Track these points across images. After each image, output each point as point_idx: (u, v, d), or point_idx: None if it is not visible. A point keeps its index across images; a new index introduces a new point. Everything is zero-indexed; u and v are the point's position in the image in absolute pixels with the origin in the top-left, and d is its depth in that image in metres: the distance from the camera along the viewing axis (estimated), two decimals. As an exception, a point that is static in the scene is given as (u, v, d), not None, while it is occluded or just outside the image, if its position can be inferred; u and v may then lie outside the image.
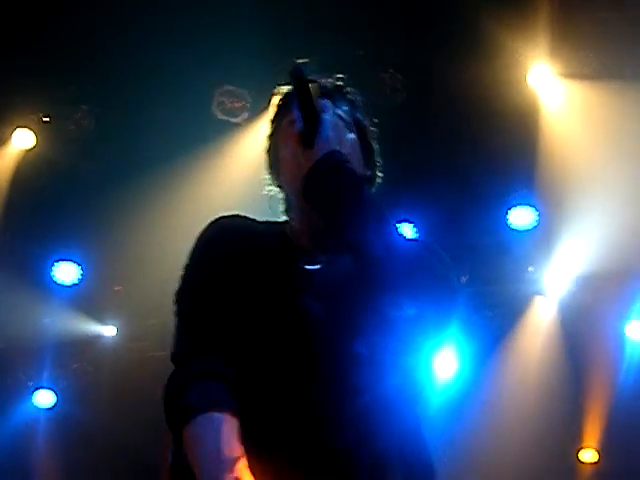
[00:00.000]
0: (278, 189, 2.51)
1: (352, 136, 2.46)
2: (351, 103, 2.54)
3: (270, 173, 2.54)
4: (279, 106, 2.53)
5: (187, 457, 2.12)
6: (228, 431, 2.11)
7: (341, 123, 2.42)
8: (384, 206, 2.50)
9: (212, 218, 2.48)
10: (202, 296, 2.33)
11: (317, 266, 2.35)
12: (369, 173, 2.54)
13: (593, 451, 8.62)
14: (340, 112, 2.47)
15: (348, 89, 2.58)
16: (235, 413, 2.15)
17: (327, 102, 2.38)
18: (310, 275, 2.34)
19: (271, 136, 2.53)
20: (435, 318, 2.26)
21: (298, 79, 2.28)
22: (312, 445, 2.15)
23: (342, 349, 2.24)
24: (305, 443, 2.15)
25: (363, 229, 2.18)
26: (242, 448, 2.10)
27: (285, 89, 2.52)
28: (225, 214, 2.49)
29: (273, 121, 2.54)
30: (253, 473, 2.07)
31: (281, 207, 2.54)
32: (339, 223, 2.22)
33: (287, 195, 2.48)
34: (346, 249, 2.25)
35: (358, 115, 2.53)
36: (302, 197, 2.26)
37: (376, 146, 2.60)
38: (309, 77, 2.29)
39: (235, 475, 2.04)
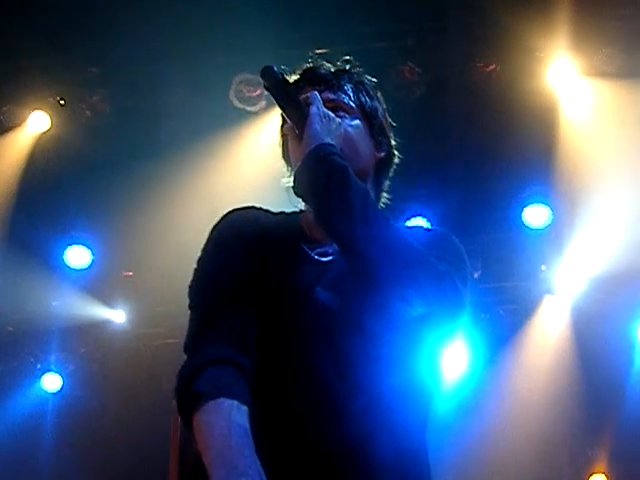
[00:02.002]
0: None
1: (354, 122, 2.45)
2: (356, 86, 2.51)
3: (285, 163, 2.53)
4: None
5: (197, 443, 2.11)
6: (238, 417, 2.10)
7: (335, 113, 2.39)
8: (376, 199, 2.49)
9: (226, 210, 2.47)
10: (215, 287, 2.32)
11: (330, 257, 2.34)
12: (383, 154, 2.52)
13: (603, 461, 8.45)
14: (337, 98, 2.45)
15: (354, 71, 2.55)
16: (245, 399, 2.14)
17: (315, 94, 2.36)
18: (323, 266, 2.33)
19: (282, 127, 2.52)
20: (442, 312, 2.25)
21: (270, 80, 2.27)
22: (312, 442, 2.15)
23: (350, 341, 2.23)
24: (306, 440, 2.16)
25: (349, 226, 2.17)
26: (251, 434, 2.09)
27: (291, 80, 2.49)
28: (239, 206, 2.49)
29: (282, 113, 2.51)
30: (261, 459, 2.06)
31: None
32: (324, 219, 2.22)
33: None
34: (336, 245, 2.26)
35: (363, 97, 2.50)
36: (293, 191, 2.27)
37: (390, 126, 2.57)
38: (281, 75, 2.27)
39: (245, 461, 2.03)
